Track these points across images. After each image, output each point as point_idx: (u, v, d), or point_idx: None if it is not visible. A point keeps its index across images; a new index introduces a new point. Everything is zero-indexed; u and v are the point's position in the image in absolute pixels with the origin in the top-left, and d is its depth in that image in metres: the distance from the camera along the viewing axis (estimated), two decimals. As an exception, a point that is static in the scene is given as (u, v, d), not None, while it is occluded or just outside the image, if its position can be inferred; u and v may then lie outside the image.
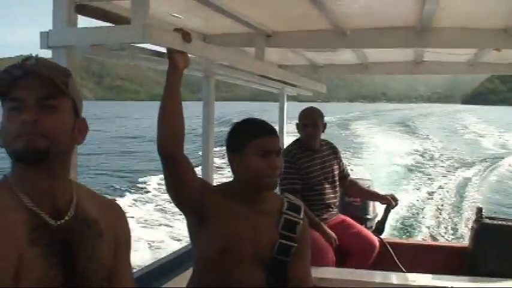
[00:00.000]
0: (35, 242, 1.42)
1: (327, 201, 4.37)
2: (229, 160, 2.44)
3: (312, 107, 4.52)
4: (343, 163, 4.68)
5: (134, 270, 3.01)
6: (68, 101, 1.51)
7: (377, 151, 26.11)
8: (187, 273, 2.64)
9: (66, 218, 1.51)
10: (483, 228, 4.29)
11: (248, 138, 2.35)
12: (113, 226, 1.65)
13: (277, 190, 4.18)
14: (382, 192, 4.81)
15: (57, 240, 1.47)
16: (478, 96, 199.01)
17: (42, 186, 1.49)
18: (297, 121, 4.47)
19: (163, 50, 2.33)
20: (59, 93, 1.47)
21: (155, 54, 2.50)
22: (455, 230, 12.26)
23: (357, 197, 5.03)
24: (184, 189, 2.33)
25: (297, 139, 4.49)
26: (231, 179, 2.47)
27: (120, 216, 1.73)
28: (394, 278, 3.99)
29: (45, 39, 2.13)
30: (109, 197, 1.83)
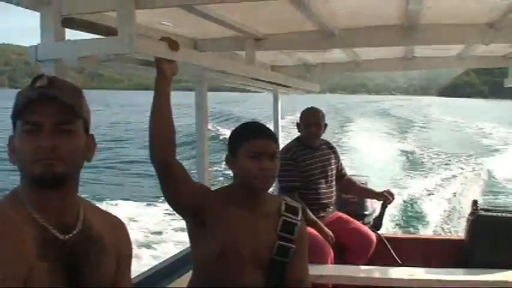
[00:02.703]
0: (44, 257, 1.45)
1: (325, 200, 4.42)
2: (226, 162, 2.48)
3: (314, 107, 4.59)
4: (341, 163, 4.74)
5: (136, 274, 3.08)
6: (82, 122, 1.55)
7: (368, 146, 26.02)
8: (187, 276, 2.68)
9: (74, 232, 1.55)
10: (479, 220, 4.32)
11: (240, 141, 2.39)
12: (116, 241, 1.68)
13: (276, 187, 4.30)
14: (378, 188, 4.84)
15: (64, 254, 1.50)
16: (454, 89, 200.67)
17: (54, 205, 1.52)
18: (298, 120, 4.53)
19: (152, 58, 2.35)
20: (75, 116, 1.51)
21: (144, 63, 2.53)
22: (451, 222, 12.29)
23: (355, 195, 5.07)
24: (181, 194, 2.37)
25: (297, 137, 4.55)
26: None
27: (122, 231, 1.76)
28: (392, 272, 4.03)
29: (34, 52, 2.18)
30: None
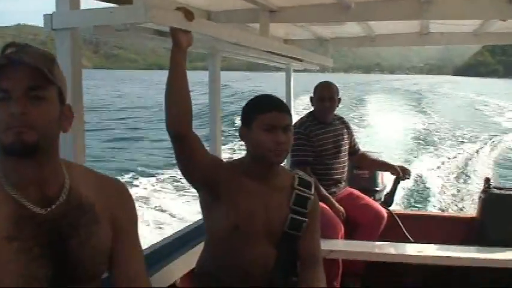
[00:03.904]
0: (14, 237, 1.41)
1: (337, 176, 4.41)
2: (239, 134, 2.49)
3: (328, 81, 4.57)
4: (354, 138, 4.71)
5: (145, 247, 3.08)
6: (55, 89, 1.48)
7: (384, 124, 25.97)
8: (198, 249, 2.70)
9: (57, 204, 1.49)
10: (491, 198, 4.31)
11: (255, 113, 2.38)
12: (113, 207, 1.63)
13: (288, 161, 4.29)
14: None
15: (45, 230, 1.45)
16: (470, 69, 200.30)
17: (30, 176, 1.47)
18: (311, 95, 4.50)
19: (167, 29, 2.33)
20: (46, 82, 1.44)
21: (159, 34, 2.50)
22: (463, 200, 12.27)
23: (369, 169, 5.05)
24: (195, 166, 2.37)
25: (311, 112, 4.53)
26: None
27: (121, 195, 1.70)
28: (402, 248, 4.03)
29: (49, 21, 2.16)
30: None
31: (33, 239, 1.43)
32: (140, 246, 1.73)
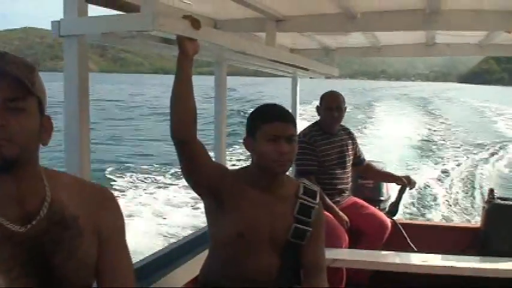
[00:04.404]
0: None
1: (340, 186, 4.42)
2: (244, 144, 2.49)
3: (335, 91, 4.57)
4: (359, 148, 4.72)
5: (147, 254, 3.10)
6: (34, 100, 1.40)
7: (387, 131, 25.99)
8: (202, 256, 2.70)
9: (37, 219, 1.42)
10: (495, 209, 4.31)
11: (259, 123, 2.39)
12: (98, 217, 1.56)
13: (293, 170, 4.30)
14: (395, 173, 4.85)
15: (24, 248, 1.38)
16: (474, 76, 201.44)
17: (8, 192, 1.40)
18: (318, 104, 4.50)
19: (174, 36, 2.34)
20: (26, 93, 1.37)
21: (165, 41, 2.51)
22: (467, 211, 12.23)
23: (374, 179, 5.06)
24: (200, 173, 2.38)
25: (316, 122, 4.53)
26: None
27: (106, 203, 1.62)
28: (406, 258, 4.03)
29: (57, 28, 2.18)
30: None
31: (13, 259, 1.36)
32: (128, 255, 1.65)
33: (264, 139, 2.36)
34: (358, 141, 4.83)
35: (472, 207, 12.34)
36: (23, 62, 1.39)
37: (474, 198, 13.19)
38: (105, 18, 2.21)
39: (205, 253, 2.63)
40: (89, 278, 1.53)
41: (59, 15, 2.23)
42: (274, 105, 2.52)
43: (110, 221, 1.60)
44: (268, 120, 2.37)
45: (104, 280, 1.56)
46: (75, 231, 1.48)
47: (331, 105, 4.40)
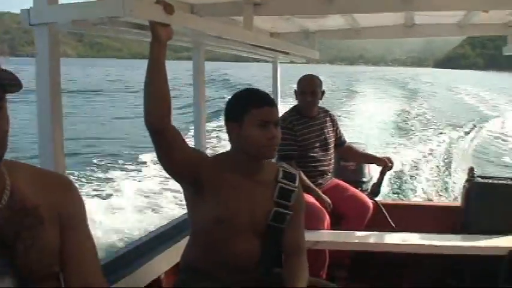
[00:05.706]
0: None
1: (322, 168, 4.42)
2: (227, 129, 2.47)
3: (310, 74, 4.55)
4: (339, 130, 4.72)
5: (131, 240, 3.09)
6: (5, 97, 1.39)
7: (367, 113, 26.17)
8: (183, 243, 2.70)
9: None
10: (475, 187, 4.33)
11: (248, 108, 2.37)
12: (59, 205, 1.56)
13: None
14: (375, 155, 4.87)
15: None
16: (450, 61, 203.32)
17: None
18: (295, 88, 4.50)
19: (147, 22, 2.30)
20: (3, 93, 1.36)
21: (138, 27, 2.47)
22: (447, 189, 12.35)
23: (355, 161, 5.08)
24: (176, 160, 2.35)
25: (294, 106, 4.53)
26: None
27: (67, 191, 1.63)
28: (387, 237, 4.05)
29: (27, 17, 2.14)
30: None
31: None
32: (91, 242, 1.66)
33: (252, 124, 2.35)
34: (339, 123, 4.83)
35: (453, 185, 12.43)
36: None
37: (453, 177, 13.29)
38: (75, 6, 2.17)
39: (186, 240, 2.63)
40: (53, 266, 1.53)
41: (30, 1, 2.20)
42: (258, 90, 2.51)
43: (71, 209, 1.60)
44: (258, 105, 2.36)
45: (68, 267, 1.57)
46: (36, 219, 1.48)
47: (305, 90, 4.41)
